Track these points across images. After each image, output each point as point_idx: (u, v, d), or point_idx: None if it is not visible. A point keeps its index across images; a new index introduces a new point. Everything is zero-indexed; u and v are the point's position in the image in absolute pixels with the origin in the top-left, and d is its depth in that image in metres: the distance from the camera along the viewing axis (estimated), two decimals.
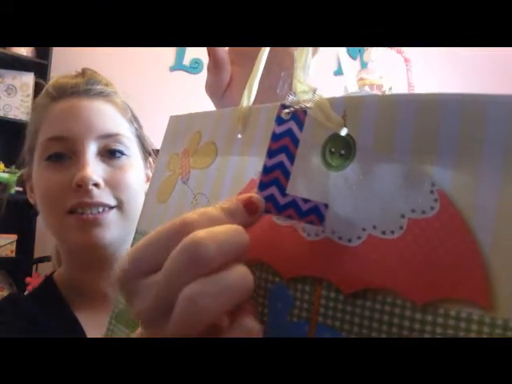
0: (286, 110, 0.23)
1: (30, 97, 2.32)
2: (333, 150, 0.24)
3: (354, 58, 2.79)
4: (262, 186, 0.23)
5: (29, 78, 2.32)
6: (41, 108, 0.57)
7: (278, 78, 0.33)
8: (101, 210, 0.52)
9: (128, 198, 0.54)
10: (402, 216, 0.21)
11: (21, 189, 2.29)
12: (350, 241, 0.22)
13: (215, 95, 0.40)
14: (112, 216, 0.53)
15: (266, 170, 0.23)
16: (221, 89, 0.39)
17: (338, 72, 2.75)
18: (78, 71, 0.61)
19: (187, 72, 2.65)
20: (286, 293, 0.24)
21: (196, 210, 0.22)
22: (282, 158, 0.23)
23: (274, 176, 0.23)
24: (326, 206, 0.23)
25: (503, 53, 2.72)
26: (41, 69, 2.33)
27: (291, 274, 0.24)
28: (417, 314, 0.20)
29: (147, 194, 0.34)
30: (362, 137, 0.23)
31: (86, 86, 0.56)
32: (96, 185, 0.51)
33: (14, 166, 2.28)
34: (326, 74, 2.73)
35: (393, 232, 0.21)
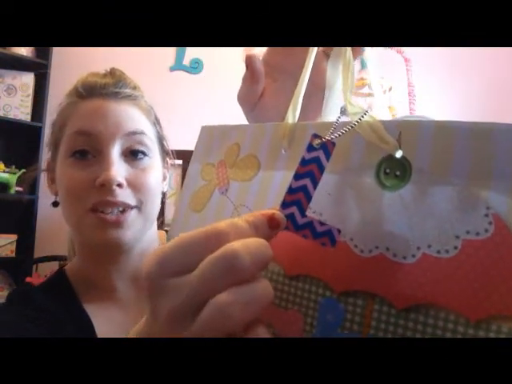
0: (317, 140, 0.25)
1: (30, 97, 2.32)
2: (388, 170, 0.25)
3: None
4: (285, 204, 0.25)
5: (29, 78, 2.32)
6: (69, 104, 0.59)
7: (311, 95, 0.33)
8: (121, 209, 0.54)
9: (147, 198, 0.56)
10: (457, 237, 0.22)
11: (21, 189, 2.29)
12: (404, 258, 0.23)
13: (247, 105, 0.41)
14: (131, 217, 0.55)
15: (291, 191, 0.25)
16: (254, 99, 0.40)
17: None
18: (107, 70, 0.62)
19: (187, 72, 2.65)
20: (336, 306, 0.25)
21: (225, 220, 0.23)
22: (307, 182, 0.25)
23: (297, 197, 0.25)
24: (339, 230, 0.25)
25: (504, 53, 2.72)
26: (41, 69, 2.33)
27: (343, 288, 0.25)
28: (469, 330, 0.21)
29: (179, 202, 0.35)
30: (418, 159, 0.24)
31: (115, 88, 0.58)
32: (119, 185, 0.53)
33: (13, 166, 2.28)
34: None
35: (447, 251, 0.22)
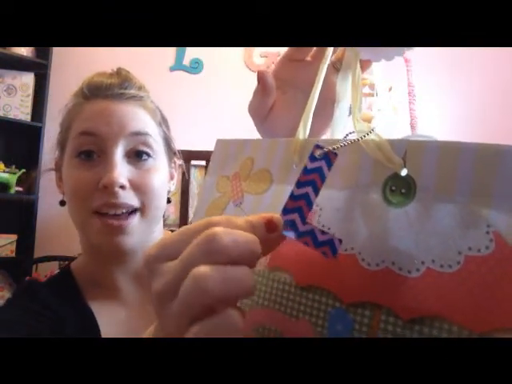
0: (319, 151, 0.26)
1: (30, 97, 2.32)
2: (393, 188, 0.26)
3: None
4: (286, 211, 0.25)
5: (29, 78, 2.32)
6: (75, 105, 0.59)
7: (319, 108, 0.34)
8: (124, 211, 0.55)
9: (151, 200, 0.57)
10: (459, 252, 0.23)
11: (21, 189, 2.29)
12: (409, 272, 0.24)
13: (258, 116, 0.42)
14: (135, 222, 0.55)
15: (292, 198, 0.26)
16: (264, 111, 0.42)
17: None
18: (113, 70, 0.63)
19: (187, 72, 2.64)
20: (345, 316, 0.26)
21: (223, 216, 0.24)
22: (309, 190, 0.26)
23: (299, 204, 0.25)
24: (341, 241, 0.25)
25: (505, 53, 2.72)
26: (41, 69, 2.33)
27: (351, 299, 0.26)
28: None
29: (195, 212, 0.36)
30: (422, 178, 0.25)
31: (120, 89, 0.58)
32: (122, 187, 0.54)
33: (13, 166, 2.28)
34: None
35: (450, 266, 0.23)
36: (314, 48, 0.37)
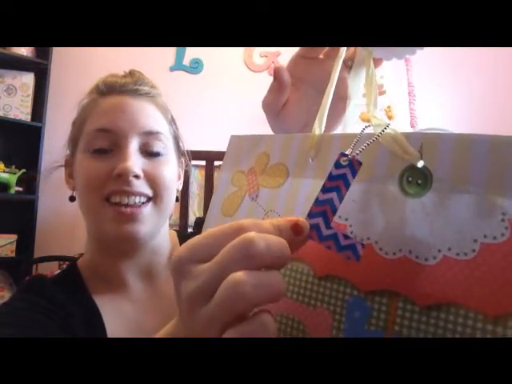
0: (344, 158, 0.27)
1: (30, 97, 2.32)
2: (410, 179, 0.27)
3: None
4: (312, 215, 0.26)
5: (29, 78, 2.32)
6: (89, 101, 0.61)
7: (331, 104, 0.35)
8: (138, 200, 0.56)
9: (163, 191, 0.58)
10: (475, 240, 0.24)
11: (21, 189, 2.29)
12: (426, 260, 0.25)
13: (272, 112, 0.44)
14: (147, 210, 0.57)
15: (318, 203, 0.27)
16: (278, 107, 0.43)
17: None
18: (126, 71, 0.65)
19: (187, 72, 2.64)
20: (363, 304, 0.27)
21: (250, 219, 0.25)
22: (333, 195, 0.27)
23: (323, 209, 0.26)
24: (363, 245, 0.26)
25: (505, 53, 2.72)
26: (41, 69, 2.33)
27: (369, 287, 0.27)
28: (488, 326, 0.23)
29: (210, 207, 0.37)
30: (438, 169, 0.26)
31: (134, 85, 0.60)
32: (136, 176, 0.56)
33: (13, 166, 2.28)
34: None
35: (466, 254, 0.24)
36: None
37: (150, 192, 0.57)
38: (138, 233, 0.56)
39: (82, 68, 2.53)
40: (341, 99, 0.39)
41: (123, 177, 0.55)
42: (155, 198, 0.58)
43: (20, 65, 2.31)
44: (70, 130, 0.64)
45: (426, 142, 0.27)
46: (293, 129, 0.43)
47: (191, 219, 1.95)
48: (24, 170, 2.27)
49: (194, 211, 1.94)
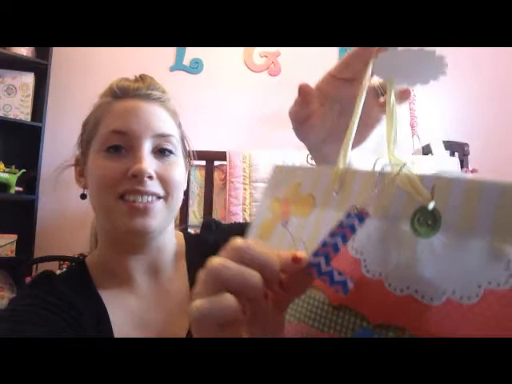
0: (355, 211, 0.29)
1: (30, 97, 2.32)
2: (421, 219, 0.28)
3: None
4: (316, 254, 0.29)
5: (29, 78, 2.32)
6: (104, 104, 0.64)
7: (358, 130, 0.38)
8: (150, 199, 0.59)
9: (173, 190, 0.62)
10: (479, 286, 0.24)
11: (21, 189, 2.29)
12: (431, 300, 0.26)
13: (295, 122, 0.48)
14: (158, 206, 0.60)
15: (324, 245, 0.29)
16: (301, 119, 0.47)
17: None
18: (137, 76, 0.68)
19: (187, 72, 2.64)
20: (372, 335, 0.28)
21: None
22: (338, 240, 0.29)
23: (327, 251, 0.29)
24: (353, 281, 0.28)
25: (505, 53, 2.72)
26: (41, 69, 2.33)
27: (378, 321, 0.28)
28: None
29: (251, 227, 0.39)
30: (447, 213, 0.27)
31: (147, 90, 0.64)
32: (150, 177, 0.59)
33: (13, 166, 2.28)
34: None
35: (469, 298, 0.25)
36: (359, 69, 0.39)
37: (161, 192, 0.61)
38: (149, 226, 0.59)
39: (82, 68, 2.53)
40: (365, 126, 0.42)
41: (138, 177, 0.58)
42: (166, 197, 0.61)
43: (20, 65, 2.31)
44: (81, 130, 0.67)
45: (438, 184, 0.27)
46: (312, 140, 0.47)
47: (191, 219, 1.95)
48: (24, 170, 2.27)
49: (194, 211, 1.94)
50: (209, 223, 0.74)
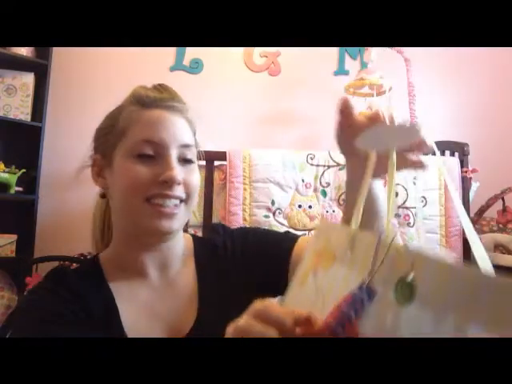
0: (364, 287, 0.33)
1: (30, 97, 2.32)
2: (402, 288, 0.31)
3: (354, 58, 2.79)
4: (334, 318, 0.33)
5: (29, 78, 2.32)
6: (131, 112, 0.69)
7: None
8: (177, 202, 0.66)
9: (193, 193, 0.69)
10: None
11: (21, 189, 2.29)
12: None
13: (341, 129, 0.54)
14: (181, 210, 0.67)
15: (341, 314, 0.32)
16: (345, 126, 0.52)
17: (338, 72, 2.75)
18: (157, 86, 0.72)
19: (187, 72, 2.64)
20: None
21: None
22: (352, 313, 0.32)
23: (344, 322, 0.32)
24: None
25: (505, 53, 2.72)
26: (41, 69, 2.33)
27: None
28: None
29: (296, 273, 0.43)
30: (421, 286, 0.30)
31: (172, 102, 0.70)
32: (178, 183, 0.66)
33: (13, 166, 2.28)
34: (325, 74, 2.73)
35: None
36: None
37: (184, 195, 0.67)
38: (171, 228, 0.66)
39: (82, 68, 2.53)
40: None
41: (168, 183, 0.64)
42: (187, 199, 0.68)
43: (20, 65, 2.31)
44: (104, 134, 0.71)
45: (417, 260, 0.31)
46: (353, 151, 0.52)
47: (191, 219, 1.95)
48: (24, 170, 2.27)
49: (194, 211, 1.94)
50: (216, 227, 0.81)
